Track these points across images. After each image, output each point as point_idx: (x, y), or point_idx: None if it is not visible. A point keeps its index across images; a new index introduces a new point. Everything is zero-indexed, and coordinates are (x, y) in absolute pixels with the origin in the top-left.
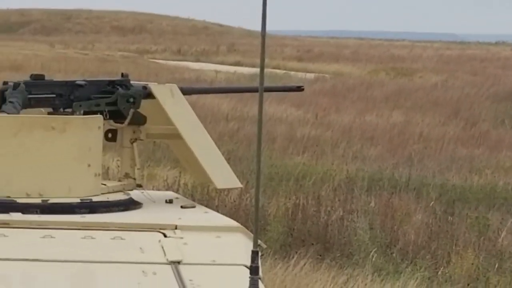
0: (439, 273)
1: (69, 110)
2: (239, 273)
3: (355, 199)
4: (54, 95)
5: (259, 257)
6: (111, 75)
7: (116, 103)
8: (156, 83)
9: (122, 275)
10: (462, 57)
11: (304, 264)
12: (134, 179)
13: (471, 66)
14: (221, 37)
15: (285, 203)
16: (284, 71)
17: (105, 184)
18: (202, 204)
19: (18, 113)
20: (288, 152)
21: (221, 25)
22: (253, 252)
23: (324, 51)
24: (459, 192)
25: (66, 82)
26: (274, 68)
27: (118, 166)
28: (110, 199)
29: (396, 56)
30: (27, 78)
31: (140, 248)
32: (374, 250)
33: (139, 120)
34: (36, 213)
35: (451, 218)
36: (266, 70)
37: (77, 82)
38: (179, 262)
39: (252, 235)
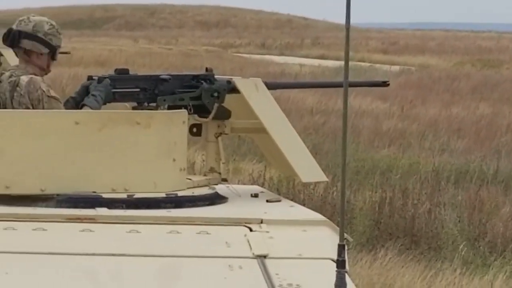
0: None
1: (153, 104)
2: (326, 267)
3: (442, 192)
4: (138, 89)
5: (346, 251)
6: (195, 70)
7: (201, 97)
8: (240, 77)
9: (208, 270)
10: None
11: (391, 258)
12: (220, 173)
13: None
14: (306, 30)
15: (371, 196)
16: (369, 64)
17: (190, 179)
18: (287, 198)
19: (100, 106)
20: (374, 145)
21: (305, 18)
22: (339, 245)
23: (409, 43)
24: None
25: (151, 76)
26: (359, 61)
27: (203, 160)
28: (195, 194)
29: (482, 48)
30: (111, 73)
31: (226, 243)
32: (463, 244)
33: (224, 115)
34: (122, 208)
35: None
36: (351, 63)
37: (161, 76)
38: (265, 256)
39: (338, 228)
